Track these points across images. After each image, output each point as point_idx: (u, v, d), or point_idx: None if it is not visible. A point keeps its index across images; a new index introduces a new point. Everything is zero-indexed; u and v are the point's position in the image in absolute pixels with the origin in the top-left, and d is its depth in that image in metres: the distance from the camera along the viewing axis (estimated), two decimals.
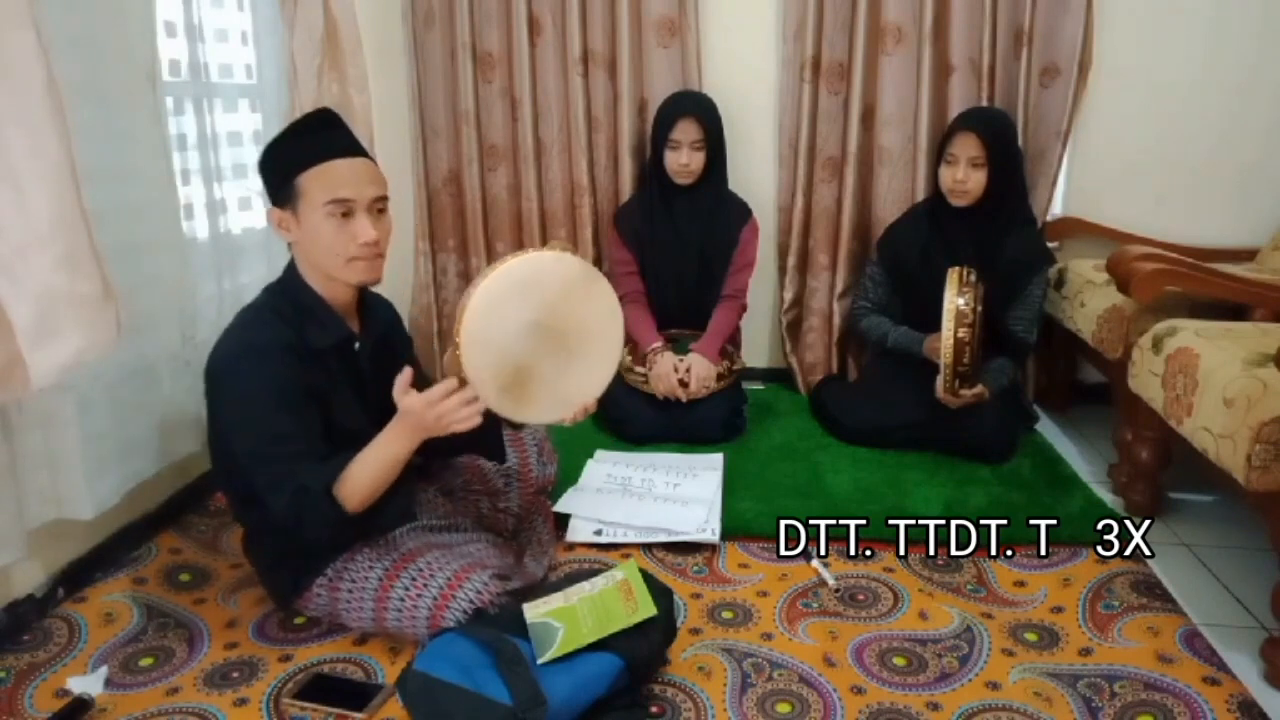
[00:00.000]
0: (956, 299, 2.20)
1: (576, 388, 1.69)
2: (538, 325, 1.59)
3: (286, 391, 1.54)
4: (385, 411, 1.59)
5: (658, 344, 2.62)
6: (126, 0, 1.77)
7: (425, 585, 1.58)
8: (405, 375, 1.53)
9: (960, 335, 2.21)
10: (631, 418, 2.58)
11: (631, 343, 2.71)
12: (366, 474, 1.53)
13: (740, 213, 2.74)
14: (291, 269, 1.65)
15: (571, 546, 2.01)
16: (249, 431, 1.55)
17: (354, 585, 1.64)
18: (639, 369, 2.62)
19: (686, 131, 2.60)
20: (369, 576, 1.63)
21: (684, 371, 2.55)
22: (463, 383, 1.52)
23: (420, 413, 1.49)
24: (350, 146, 1.60)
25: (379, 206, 1.61)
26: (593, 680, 1.41)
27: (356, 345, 1.69)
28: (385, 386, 1.62)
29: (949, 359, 2.25)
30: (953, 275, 2.24)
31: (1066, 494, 2.24)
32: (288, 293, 1.64)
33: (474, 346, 1.52)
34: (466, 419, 1.51)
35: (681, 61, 2.84)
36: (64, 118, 1.37)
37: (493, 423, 1.73)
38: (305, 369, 1.57)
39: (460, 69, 2.87)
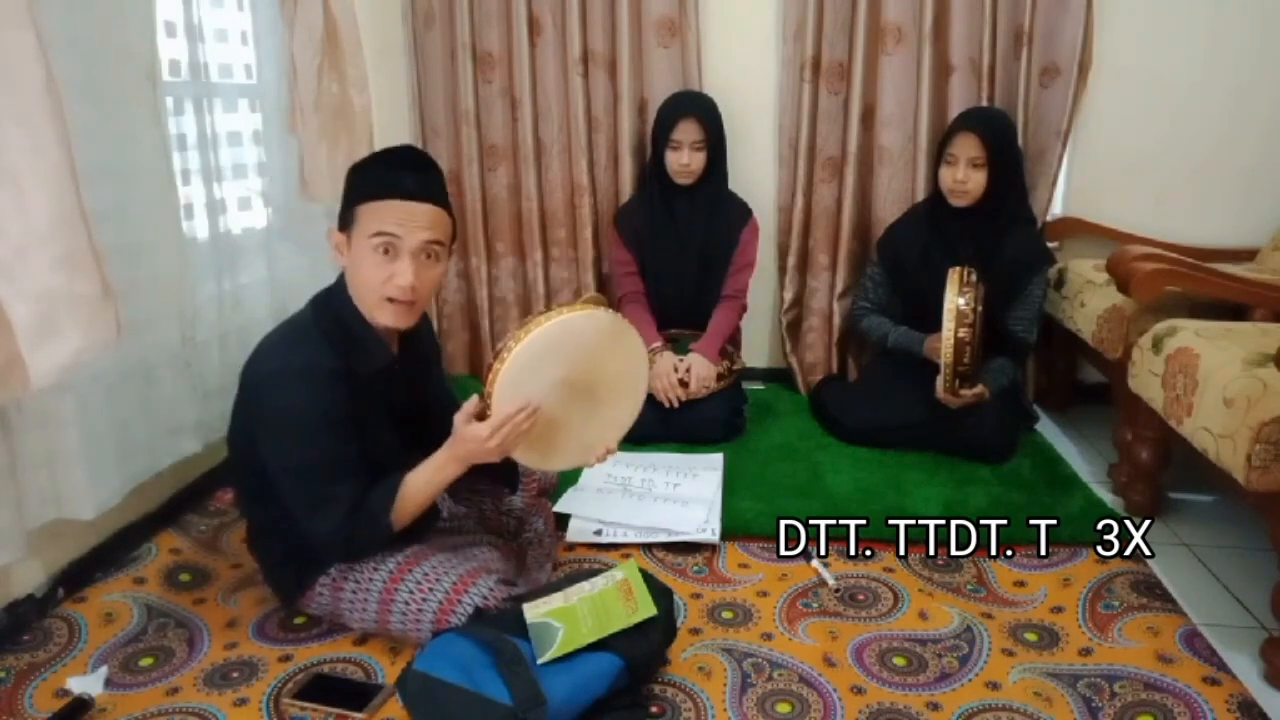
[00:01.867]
0: (957, 299, 2.20)
1: (600, 434, 1.71)
2: (566, 382, 1.60)
3: (331, 415, 1.54)
4: (412, 427, 1.65)
5: (657, 344, 2.62)
6: (126, 0, 1.77)
7: (431, 589, 1.58)
8: (471, 403, 1.56)
9: (961, 335, 2.21)
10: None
11: None
12: (420, 497, 1.59)
13: (741, 213, 2.74)
14: (341, 287, 1.63)
15: (571, 546, 2.01)
16: (291, 449, 1.54)
17: (358, 585, 1.64)
18: None
19: (687, 132, 2.60)
20: (374, 578, 1.63)
21: (684, 371, 2.55)
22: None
23: (484, 440, 1.52)
24: (419, 190, 1.54)
25: (429, 251, 1.56)
26: (593, 680, 1.41)
27: (397, 366, 1.68)
28: (414, 403, 1.69)
29: (949, 359, 2.25)
30: (953, 275, 2.24)
31: (1066, 494, 2.24)
32: (334, 312, 1.61)
33: (505, 407, 1.54)
34: (518, 444, 1.57)
35: (682, 61, 2.84)
36: (63, 118, 1.37)
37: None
38: (347, 396, 1.56)
39: (460, 69, 2.87)
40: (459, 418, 1.55)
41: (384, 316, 1.58)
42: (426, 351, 1.81)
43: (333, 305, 1.62)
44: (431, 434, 1.66)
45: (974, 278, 2.24)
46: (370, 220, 1.53)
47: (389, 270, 1.54)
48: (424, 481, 1.58)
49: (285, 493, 1.57)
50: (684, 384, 2.54)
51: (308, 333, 1.59)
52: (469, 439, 1.54)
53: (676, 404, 2.54)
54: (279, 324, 1.67)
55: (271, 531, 1.71)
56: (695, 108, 2.62)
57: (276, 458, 1.56)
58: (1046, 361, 2.95)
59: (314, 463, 1.54)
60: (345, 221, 1.59)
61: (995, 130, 2.47)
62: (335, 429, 1.55)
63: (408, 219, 1.53)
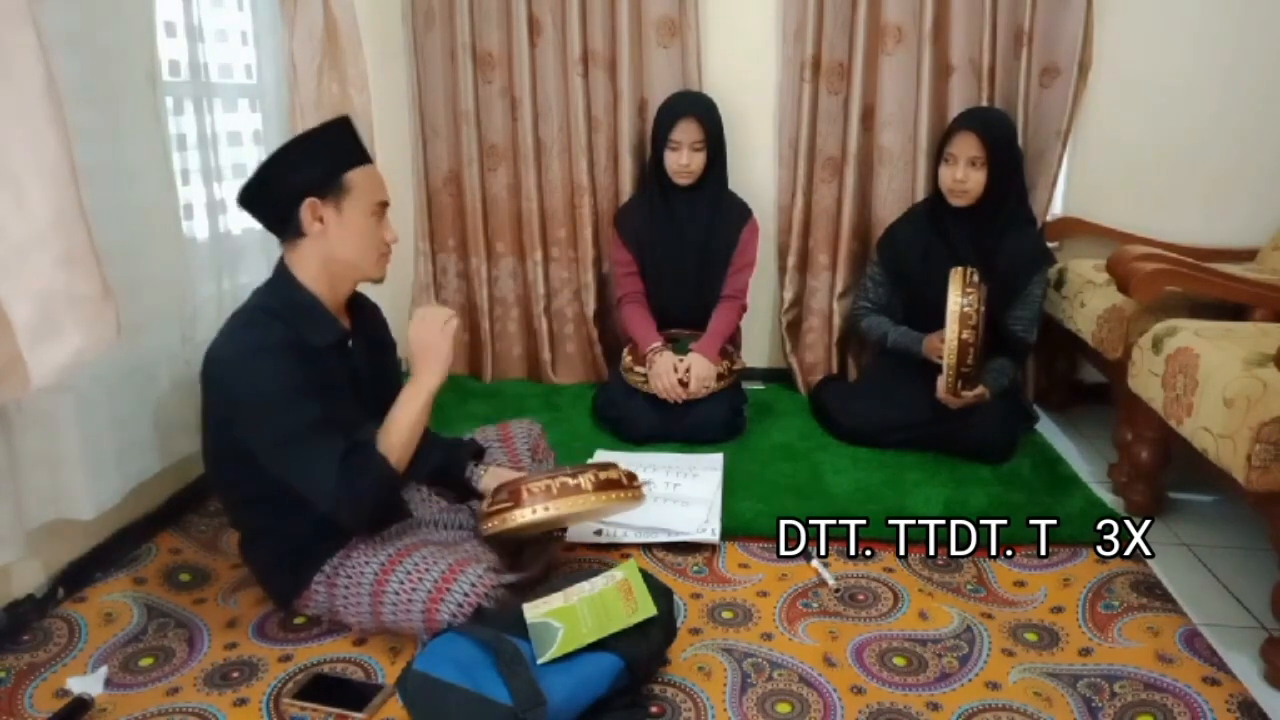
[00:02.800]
0: (960, 300, 2.20)
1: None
2: (574, 518, 1.78)
3: (296, 382, 1.57)
4: (375, 402, 1.70)
5: (657, 344, 2.62)
6: (126, 0, 1.77)
7: (420, 579, 1.59)
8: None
9: (965, 337, 2.21)
10: (631, 418, 2.58)
11: (631, 343, 2.72)
12: (403, 424, 1.64)
13: (740, 213, 2.74)
14: (283, 272, 1.68)
15: (572, 547, 2.00)
16: (272, 421, 1.56)
17: (350, 580, 1.64)
18: (639, 369, 2.62)
19: (687, 132, 2.60)
20: (364, 572, 1.64)
21: (683, 371, 2.55)
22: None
23: (430, 323, 1.66)
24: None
25: None
26: (593, 680, 1.41)
27: (350, 343, 1.73)
28: (379, 384, 1.75)
29: (953, 360, 2.25)
30: (956, 276, 2.24)
31: (1066, 494, 2.24)
32: (280, 294, 1.66)
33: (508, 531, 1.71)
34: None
35: (681, 61, 2.84)
36: (64, 117, 1.37)
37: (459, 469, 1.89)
38: (307, 366, 1.59)
39: (460, 69, 2.87)
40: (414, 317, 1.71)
41: (380, 269, 1.73)
42: (379, 332, 1.86)
43: (277, 290, 1.67)
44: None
45: (976, 278, 2.23)
46: (370, 189, 1.66)
47: (382, 231, 1.70)
48: (402, 407, 1.65)
49: (276, 468, 1.58)
50: (684, 384, 2.54)
51: (253, 317, 1.64)
52: (416, 331, 1.67)
53: (679, 401, 2.54)
54: (225, 322, 1.69)
55: (262, 535, 1.72)
56: (694, 108, 2.62)
57: (257, 437, 1.58)
58: (1046, 361, 2.95)
59: (294, 429, 1.56)
60: (330, 189, 1.62)
61: (995, 130, 2.46)
62: (304, 393, 1.57)
63: (382, 182, 1.71)
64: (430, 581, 1.58)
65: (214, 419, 1.66)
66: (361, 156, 1.67)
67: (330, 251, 1.65)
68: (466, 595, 1.55)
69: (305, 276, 1.66)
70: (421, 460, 1.73)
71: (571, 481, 1.68)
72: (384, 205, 1.70)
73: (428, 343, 1.67)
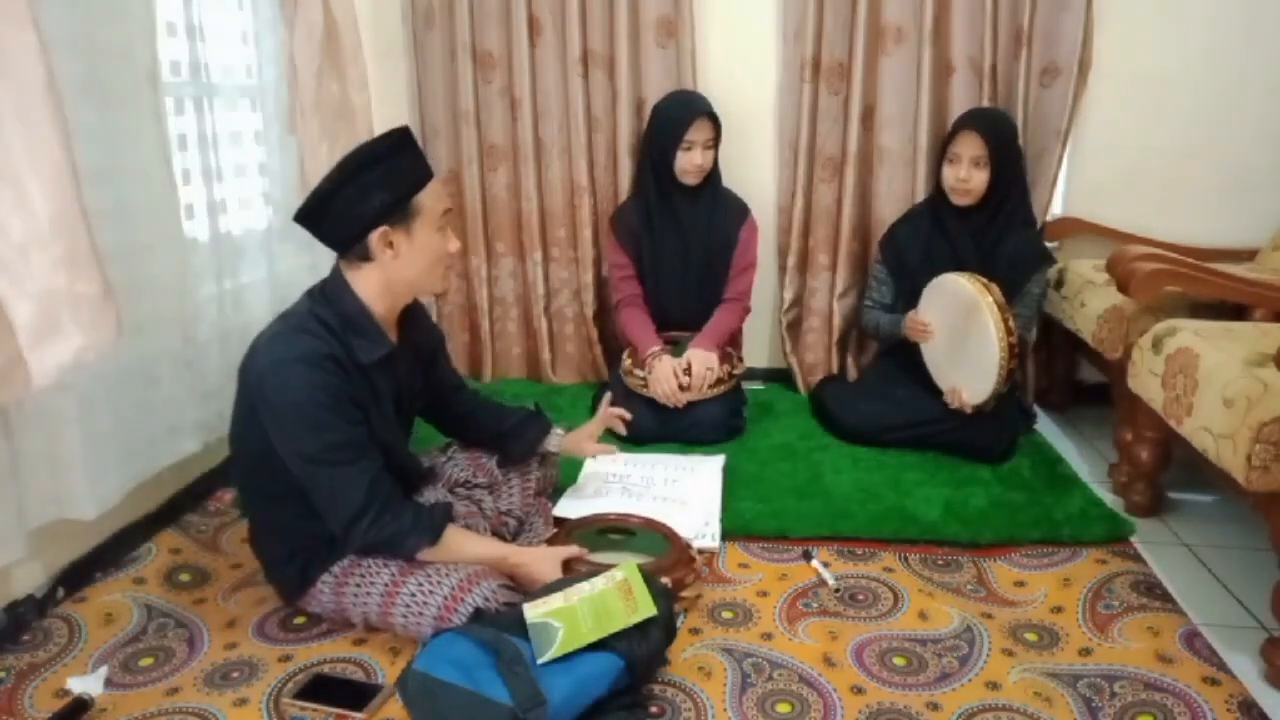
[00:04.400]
0: (1003, 332, 2.22)
1: None
2: None
3: (336, 398, 1.55)
4: (413, 414, 1.80)
5: (656, 348, 2.62)
6: (126, 0, 1.77)
7: (435, 588, 1.59)
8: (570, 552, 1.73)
9: (1012, 366, 2.26)
10: (632, 419, 2.57)
11: (631, 346, 2.71)
12: (460, 553, 1.65)
13: (738, 211, 2.74)
14: (340, 283, 1.64)
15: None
16: (303, 436, 1.55)
17: (362, 582, 1.65)
18: (638, 372, 2.62)
19: (701, 131, 2.60)
20: (376, 580, 1.64)
21: (682, 374, 2.54)
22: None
23: (549, 573, 1.67)
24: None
25: None
26: (593, 680, 1.41)
27: (396, 356, 1.71)
28: (415, 390, 1.80)
29: (1000, 388, 2.28)
30: (991, 307, 2.24)
31: (1066, 494, 2.24)
32: (334, 304, 1.63)
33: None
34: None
35: (677, 61, 2.84)
36: (64, 118, 1.37)
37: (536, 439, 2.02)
38: (350, 382, 1.58)
39: (460, 69, 2.87)
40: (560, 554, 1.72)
41: (445, 283, 1.74)
42: (428, 339, 1.85)
43: (332, 300, 1.63)
44: (440, 415, 1.97)
45: (1000, 295, 2.27)
46: (436, 203, 1.64)
47: (447, 242, 1.68)
48: (476, 544, 1.69)
49: (303, 481, 1.58)
50: (684, 388, 2.54)
51: (304, 324, 1.60)
52: (541, 560, 1.69)
53: (680, 405, 2.54)
54: (275, 319, 1.67)
55: (275, 528, 1.72)
56: (706, 106, 2.62)
57: (289, 446, 1.56)
58: (1046, 361, 2.95)
59: (324, 449, 1.55)
60: (401, 215, 1.59)
61: (998, 130, 2.48)
62: (342, 411, 1.56)
63: (443, 191, 1.70)
64: (445, 590, 1.58)
65: (244, 411, 1.63)
66: (426, 171, 1.63)
67: (397, 274, 1.63)
68: (477, 608, 1.56)
69: (365, 293, 1.63)
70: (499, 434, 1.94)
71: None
72: (449, 213, 1.68)
73: (543, 574, 1.67)
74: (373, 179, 1.56)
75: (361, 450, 1.58)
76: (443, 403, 1.97)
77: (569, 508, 2.11)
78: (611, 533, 1.92)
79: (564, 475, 2.22)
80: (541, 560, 1.68)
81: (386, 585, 1.62)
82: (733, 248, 2.71)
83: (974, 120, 2.49)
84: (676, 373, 2.54)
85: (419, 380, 1.83)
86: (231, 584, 1.86)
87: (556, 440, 2.08)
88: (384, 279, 1.63)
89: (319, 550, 1.67)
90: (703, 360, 2.55)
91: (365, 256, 1.60)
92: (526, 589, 1.65)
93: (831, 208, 2.94)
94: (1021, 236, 2.55)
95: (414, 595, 1.60)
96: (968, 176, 2.47)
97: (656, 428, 2.55)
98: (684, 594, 1.74)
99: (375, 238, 1.58)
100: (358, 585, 1.65)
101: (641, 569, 1.58)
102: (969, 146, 2.45)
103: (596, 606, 1.49)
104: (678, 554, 1.78)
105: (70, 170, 1.39)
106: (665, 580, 1.67)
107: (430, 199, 1.62)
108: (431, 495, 1.86)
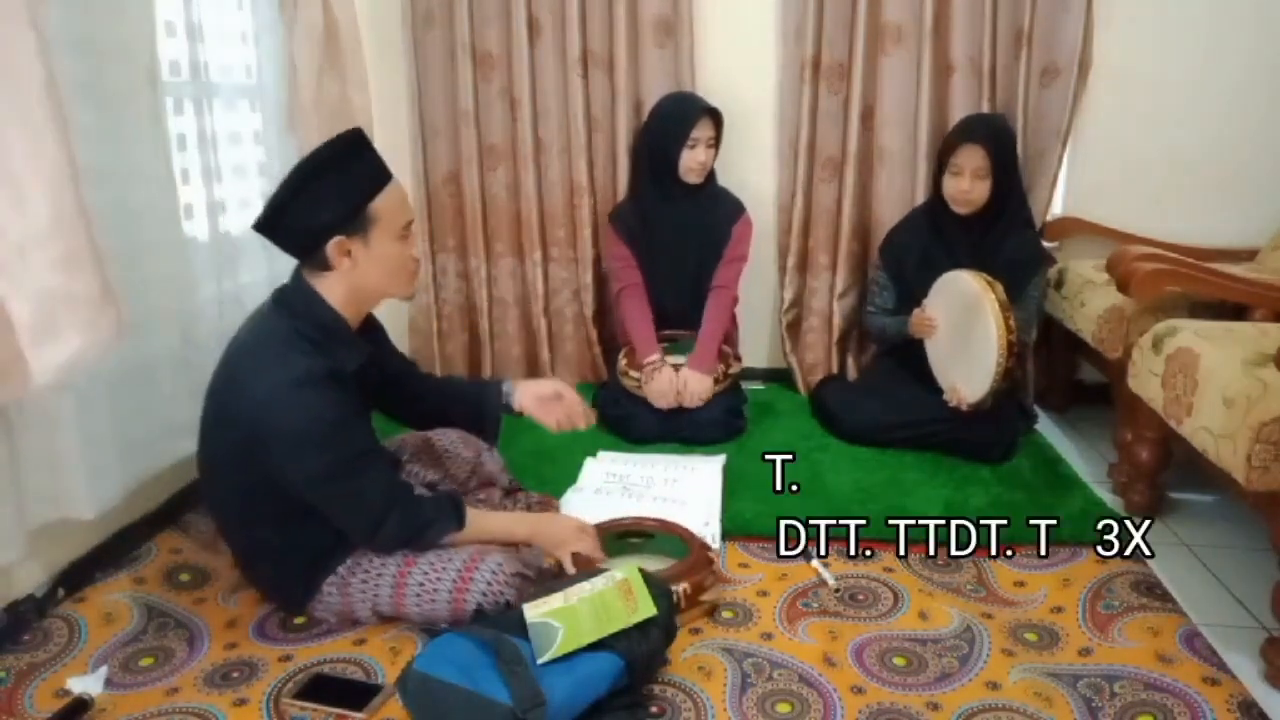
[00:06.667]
0: (1004, 330, 2.22)
1: None
2: None
3: (342, 415, 1.56)
4: (383, 403, 1.83)
5: (655, 357, 2.61)
6: (126, 0, 1.77)
7: (444, 569, 1.62)
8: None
9: (1010, 366, 2.26)
10: (631, 419, 2.58)
11: (629, 344, 2.72)
12: (484, 531, 1.71)
13: (734, 208, 2.75)
14: (309, 292, 1.61)
15: None
16: (315, 458, 1.54)
17: (368, 576, 1.66)
18: (634, 373, 2.62)
19: (704, 128, 2.61)
20: (383, 572, 1.65)
21: (680, 392, 2.56)
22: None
23: (576, 541, 1.73)
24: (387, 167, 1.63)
25: None
26: (593, 680, 1.41)
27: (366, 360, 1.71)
28: (382, 390, 1.81)
29: (997, 386, 2.28)
30: (993, 302, 2.24)
31: (1066, 494, 2.24)
32: (311, 318, 1.60)
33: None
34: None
35: (675, 61, 2.84)
36: (64, 118, 1.37)
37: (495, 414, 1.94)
38: (345, 393, 1.59)
39: (460, 69, 2.87)
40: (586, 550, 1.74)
41: (410, 288, 1.70)
42: (374, 329, 1.83)
43: (304, 310, 1.60)
44: (393, 401, 1.90)
45: (1003, 291, 2.28)
46: (396, 213, 1.60)
47: (408, 249, 1.64)
48: (496, 521, 1.75)
49: (317, 500, 1.58)
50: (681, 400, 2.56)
51: (294, 343, 1.56)
52: (564, 532, 1.75)
53: (676, 406, 2.55)
54: (248, 338, 1.63)
55: (263, 554, 1.71)
56: (707, 104, 2.63)
57: (302, 471, 1.55)
58: (1046, 361, 2.95)
59: (342, 460, 1.56)
60: (356, 226, 1.55)
61: (1000, 141, 2.48)
62: (349, 424, 1.58)
63: (406, 199, 1.65)
64: (455, 570, 1.61)
65: (233, 443, 1.58)
66: (383, 175, 1.59)
67: (359, 282, 1.61)
68: (490, 583, 1.59)
69: (333, 301, 1.61)
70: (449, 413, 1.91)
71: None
72: (410, 224, 1.62)
73: (564, 530, 1.74)
74: (324, 187, 1.52)
75: (373, 455, 1.60)
76: (398, 387, 1.89)
77: (573, 507, 2.11)
78: (630, 536, 1.92)
79: (564, 475, 2.22)
80: (559, 519, 1.75)
81: (394, 575, 1.64)
82: (727, 243, 2.72)
83: (975, 132, 2.48)
84: (674, 387, 2.55)
85: (377, 374, 1.79)
86: (231, 584, 1.86)
87: (509, 391, 1.92)
88: (347, 287, 1.61)
89: (319, 560, 1.67)
90: (697, 388, 2.56)
91: (325, 266, 1.58)
92: (552, 551, 1.74)
93: (831, 208, 2.94)
94: (1020, 239, 2.55)
95: (423, 581, 1.62)
96: (970, 188, 2.47)
97: (658, 427, 2.55)
98: (704, 597, 1.73)
99: (332, 247, 1.55)
100: (364, 580, 1.66)
101: (644, 571, 1.58)
102: (971, 159, 2.45)
103: (596, 606, 1.49)
104: (696, 556, 1.78)
105: (70, 170, 1.39)
106: (685, 584, 1.67)
107: (388, 205, 1.57)
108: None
